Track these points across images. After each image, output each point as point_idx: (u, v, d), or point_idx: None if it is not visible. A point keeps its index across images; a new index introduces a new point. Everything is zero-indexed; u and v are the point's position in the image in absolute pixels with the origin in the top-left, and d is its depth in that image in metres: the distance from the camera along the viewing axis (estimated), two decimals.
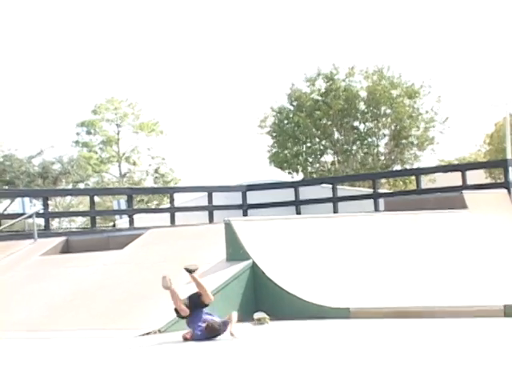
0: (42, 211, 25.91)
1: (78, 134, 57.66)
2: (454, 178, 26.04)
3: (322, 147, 43.13)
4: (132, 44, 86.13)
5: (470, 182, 25.09)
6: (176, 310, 14.11)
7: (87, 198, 29.62)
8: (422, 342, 12.73)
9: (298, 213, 27.70)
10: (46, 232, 24.97)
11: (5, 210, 26.09)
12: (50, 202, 26.86)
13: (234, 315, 14.03)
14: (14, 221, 25.62)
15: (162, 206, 42.82)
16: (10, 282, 20.41)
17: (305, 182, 34.20)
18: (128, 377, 11.05)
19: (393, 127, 42.53)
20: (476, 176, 28.09)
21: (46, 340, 15.52)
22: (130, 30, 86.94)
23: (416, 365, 10.66)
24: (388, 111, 42.23)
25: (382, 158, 43.19)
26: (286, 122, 42.78)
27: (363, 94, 42.47)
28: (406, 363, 10.83)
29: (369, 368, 10.63)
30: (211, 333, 13.81)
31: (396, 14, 79.98)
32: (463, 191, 23.63)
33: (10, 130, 72.79)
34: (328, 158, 43.84)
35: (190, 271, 14.15)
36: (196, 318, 13.95)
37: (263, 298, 17.21)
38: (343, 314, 16.03)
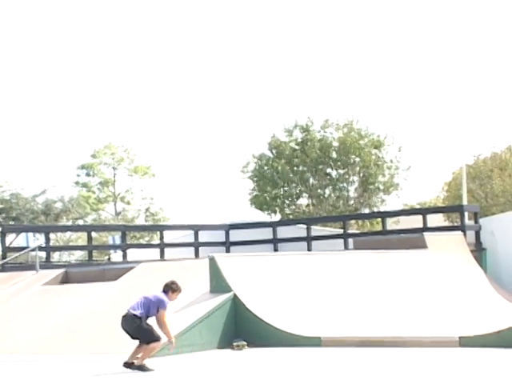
0: (44, 245, 25.81)
1: (78, 175, 57.60)
2: (415, 221, 26.07)
3: (298, 191, 43.10)
4: (128, 93, 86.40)
5: (430, 224, 25.09)
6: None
7: (85, 234, 29.46)
8: (384, 371, 12.72)
9: (276, 250, 27.62)
10: (47, 264, 24.83)
11: (10, 243, 25.97)
12: (51, 237, 26.74)
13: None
14: (18, 253, 25.46)
15: (152, 242, 42.62)
16: (13, 309, 20.27)
17: (282, 223, 34.12)
18: None
19: (361, 174, 42.66)
20: (435, 219, 28.13)
21: (46, 363, 15.41)
22: (125, 79, 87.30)
23: None
24: (357, 160, 42.36)
25: (352, 201, 43.18)
26: (266, 168, 42.78)
27: (335, 144, 42.61)
28: None
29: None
30: None
31: (364, 73, 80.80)
32: (424, 233, 23.66)
33: (16, 170, 72.99)
34: (303, 201, 43.78)
35: None
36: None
37: (242, 327, 17.17)
38: (315, 342, 16.03)
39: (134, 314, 13.58)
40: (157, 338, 13.53)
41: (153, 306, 13.62)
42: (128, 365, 13.45)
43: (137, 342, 13.59)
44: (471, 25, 76.29)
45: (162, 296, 13.79)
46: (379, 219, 30.86)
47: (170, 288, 13.98)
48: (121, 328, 13.78)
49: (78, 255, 51.15)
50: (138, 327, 13.53)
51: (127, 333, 13.74)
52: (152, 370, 13.29)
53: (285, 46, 79.59)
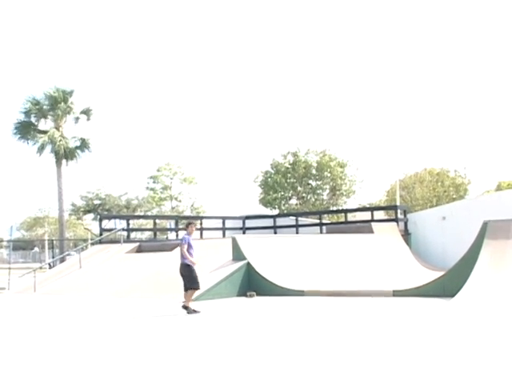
0: (125, 227, 25.99)
1: (148, 183, 57.42)
2: (366, 215, 26.16)
3: (290, 195, 43.24)
4: (180, 126, 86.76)
5: (375, 217, 25.19)
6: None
7: (152, 221, 29.63)
8: (346, 311, 12.84)
9: (275, 233, 27.76)
10: (127, 240, 25.01)
11: (105, 226, 26.16)
12: (130, 222, 26.89)
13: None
14: (109, 233, 25.64)
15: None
16: (106, 268, 20.46)
17: (279, 215, 34.09)
18: (168, 320, 11.14)
19: (331, 184, 42.70)
20: (379, 214, 28.16)
21: (128, 302, 15.56)
22: (177, 115, 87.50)
23: (340, 320, 10.78)
24: (328, 175, 42.39)
25: (325, 202, 43.25)
26: (269, 179, 42.89)
27: (314, 164, 42.68)
28: (335, 320, 10.96)
29: (310, 317, 10.74)
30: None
31: (335, 117, 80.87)
32: (372, 223, 23.78)
33: (109, 179, 73.04)
34: (293, 201, 43.89)
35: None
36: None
37: (253, 283, 17.27)
38: (300, 293, 16.11)
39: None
40: (194, 287, 13.13)
41: (181, 246, 13.38)
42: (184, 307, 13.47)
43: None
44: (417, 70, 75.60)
45: (183, 235, 13.46)
46: (343, 214, 30.88)
47: (186, 226, 13.66)
48: (179, 275, 13.49)
49: (147, 234, 51.39)
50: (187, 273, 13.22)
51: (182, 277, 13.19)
52: (198, 312, 12.94)
53: (287, 104, 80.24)
